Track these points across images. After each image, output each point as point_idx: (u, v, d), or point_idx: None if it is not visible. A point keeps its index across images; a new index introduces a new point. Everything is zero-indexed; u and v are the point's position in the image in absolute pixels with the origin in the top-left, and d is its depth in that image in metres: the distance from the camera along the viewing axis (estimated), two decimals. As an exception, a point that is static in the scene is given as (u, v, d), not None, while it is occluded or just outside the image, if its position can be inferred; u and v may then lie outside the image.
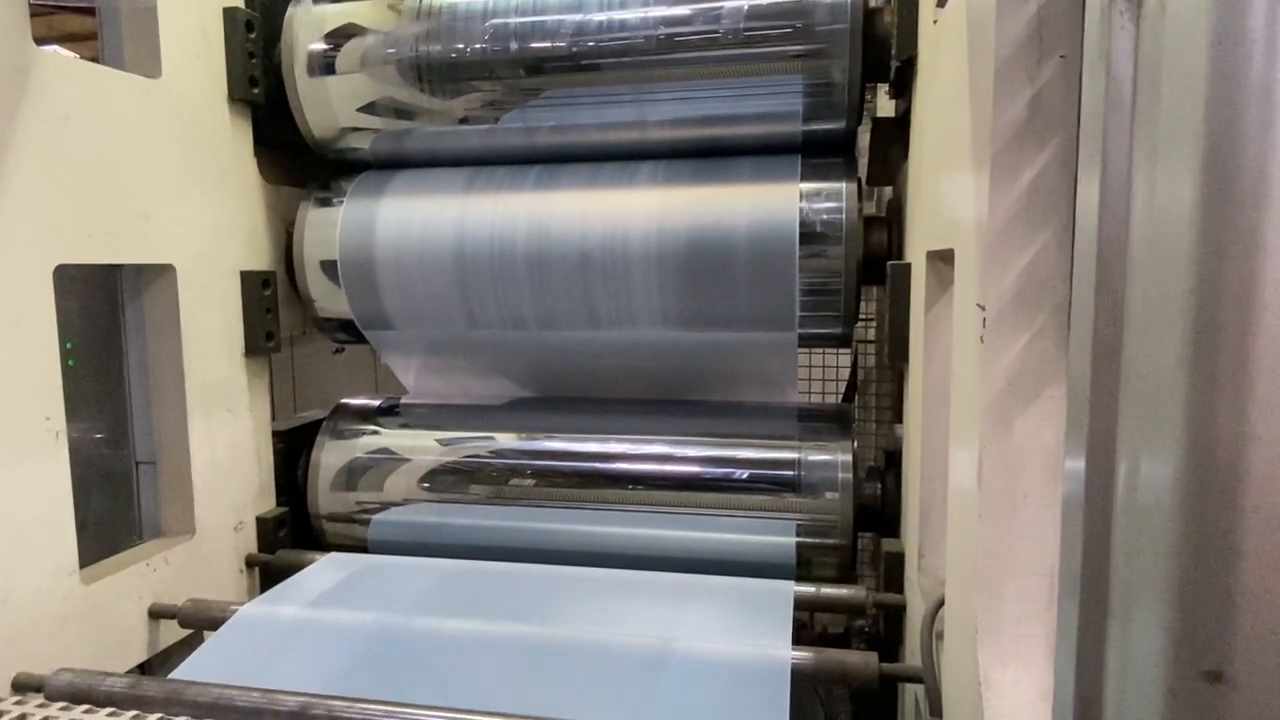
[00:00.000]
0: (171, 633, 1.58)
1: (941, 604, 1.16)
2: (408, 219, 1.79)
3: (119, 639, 1.49)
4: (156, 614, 1.54)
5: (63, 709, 0.89)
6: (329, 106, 1.80)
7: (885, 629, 1.58)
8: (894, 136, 1.68)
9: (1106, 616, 0.46)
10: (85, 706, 0.90)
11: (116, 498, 1.69)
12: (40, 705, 0.91)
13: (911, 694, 1.38)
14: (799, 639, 1.36)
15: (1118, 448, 0.46)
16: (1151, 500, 0.45)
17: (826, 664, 1.31)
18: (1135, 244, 0.45)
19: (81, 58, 1.60)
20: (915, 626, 1.30)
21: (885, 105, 1.93)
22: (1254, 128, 0.41)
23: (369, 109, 1.79)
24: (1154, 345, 0.44)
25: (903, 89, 1.60)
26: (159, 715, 0.85)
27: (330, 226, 1.83)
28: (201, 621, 1.53)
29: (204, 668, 1.34)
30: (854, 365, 2.27)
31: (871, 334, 2.16)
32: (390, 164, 1.92)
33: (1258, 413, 0.41)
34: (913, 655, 1.35)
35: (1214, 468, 0.42)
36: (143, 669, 1.55)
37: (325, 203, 1.86)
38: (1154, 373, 0.44)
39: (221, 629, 1.45)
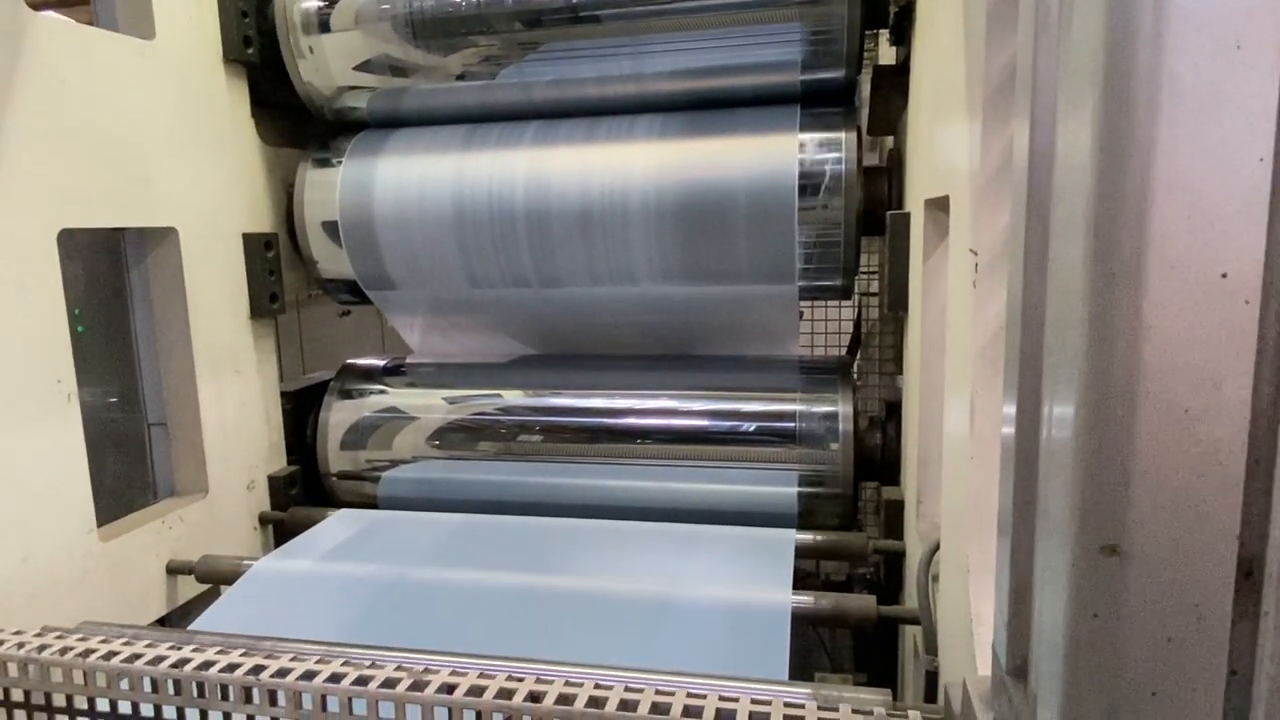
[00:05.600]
0: (189, 588, 1.63)
1: (938, 547, 1.18)
2: (406, 178, 1.79)
3: (138, 594, 1.53)
4: (174, 570, 1.59)
5: (80, 639, 0.93)
6: (325, 65, 1.79)
7: (886, 575, 1.61)
8: (895, 85, 1.66)
9: (1034, 516, 0.50)
10: (102, 636, 0.94)
11: (131, 459, 1.72)
12: (59, 636, 0.95)
13: (911, 636, 1.41)
14: (805, 586, 1.39)
15: (1043, 373, 0.49)
16: (1063, 402, 0.49)
17: (827, 607, 1.34)
18: (1059, 165, 0.46)
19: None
20: (914, 571, 1.32)
21: (887, 53, 1.90)
22: (1148, 38, 0.43)
23: (365, 67, 1.78)
24: (1067, 251, 0.47)
25: (902, 36, 1.58)
26: (171, 643, 0.88)
27: (330, 187, 1.83)
28: (217, 576, 1.58)
29: (222, 619, 1.38)
30: (858, 318, 2.27)
31: (875, 286, 2.15)
32: (388, 122, 1.91)
33: (1150, 305, 0.44)
34: (912, 599, 1.38)
35: (1112, 359, 0.45)
36: (162, 623, 1.60)
37: (324, 163, 1.86)
38: (1066, 286, 0.46)
39: (238, 582, 1.49)
